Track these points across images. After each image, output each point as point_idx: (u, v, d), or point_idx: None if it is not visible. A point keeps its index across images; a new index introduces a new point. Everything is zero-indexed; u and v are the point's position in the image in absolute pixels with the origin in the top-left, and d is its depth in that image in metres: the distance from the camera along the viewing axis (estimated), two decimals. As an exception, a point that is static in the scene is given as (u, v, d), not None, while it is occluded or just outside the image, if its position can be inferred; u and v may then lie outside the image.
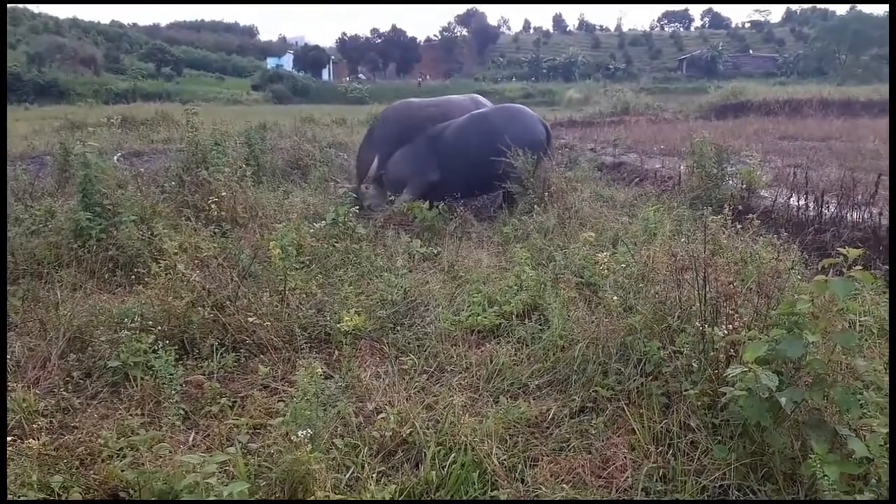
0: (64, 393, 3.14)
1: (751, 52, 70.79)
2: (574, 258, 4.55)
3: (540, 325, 3.69)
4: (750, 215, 5.90)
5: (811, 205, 6.07)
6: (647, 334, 3.06)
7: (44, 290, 4.59)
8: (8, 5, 65.81)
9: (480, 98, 9.14)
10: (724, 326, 2.62)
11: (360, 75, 67.09)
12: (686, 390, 2.60)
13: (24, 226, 5.49)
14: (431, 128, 7.82)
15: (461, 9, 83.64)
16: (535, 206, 6.83)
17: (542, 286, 4.12)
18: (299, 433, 2.25)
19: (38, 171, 9.55)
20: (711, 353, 2.60)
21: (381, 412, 2.89)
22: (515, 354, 3.51)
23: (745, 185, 7.14)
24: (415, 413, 2.85)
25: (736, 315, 2.61)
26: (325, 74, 68.64)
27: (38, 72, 43.71)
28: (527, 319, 3.93)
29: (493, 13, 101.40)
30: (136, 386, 3.19)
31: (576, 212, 6.87)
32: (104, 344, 3.53)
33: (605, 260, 4.25)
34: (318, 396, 2.75)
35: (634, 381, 2.90)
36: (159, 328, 3.55)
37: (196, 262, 4.27)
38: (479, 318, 3.95)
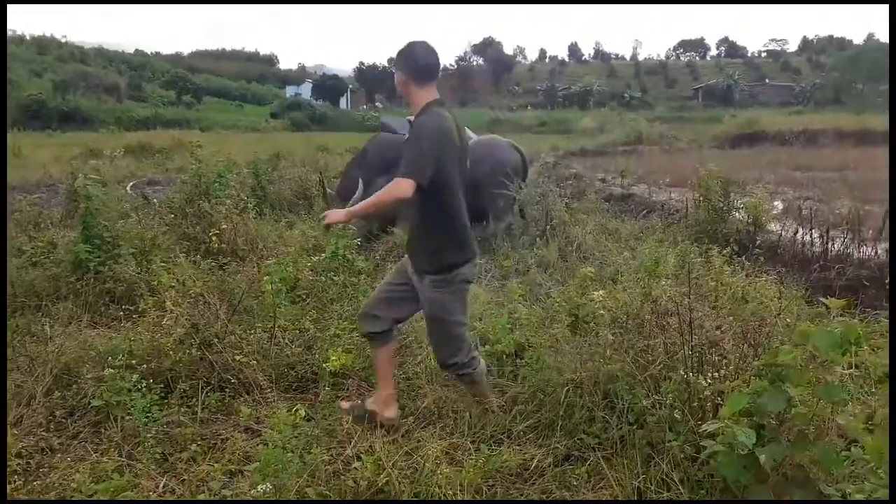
0: (43, 433, 3.12)
1: (767, 80, 70.72)
2: (570, 295, 4.48)
3: (530, 365, 3.62)
4: (756, 251, 5.83)
5: (817, 240, 5.97)
6: (629, 381, 2.98)
7: (38, 323, 4.60)
8: (37, 34, 67.62)
9: (467, 131, 9.11)
10: (709, 375, 2.55)
11: (377, 104, 67.79)
12: (669, 441, 2.51)
13: (24, 257, 5.53)
14: None
15: (477, 38, 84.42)
16: (537, 240, 6.79)
17: (536, 325, 4.05)
18: (259, 487, 2.20)
19: (48, 200, 9.70)
20: (695, 403, 2.52)
21: (360, 458, 2.83)
22: (502, 396, 3.44)
23: (750, 220, 7.05)
24: (393, 460, 2.78)
25: (724, 362, 2.53)
26: (342, 103, 69.50)
27: (62, 99, 44.65)
28: (517, 359, 3.86)
29: (509, 42, 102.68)
30: (117, 426, 3.15)
31: (578, 245, 6.82)
32: (89, 381, 3.51)
33: (601, 298, 4.19)
34: (290, 443, 2.70)
35: (620, 429, 2.82)
36: (146, 366, 3.52)
37: (188, 297, 4.25)
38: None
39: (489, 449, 2.94)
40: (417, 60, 3.00)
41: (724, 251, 5.72)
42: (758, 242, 6.25)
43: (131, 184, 12.53)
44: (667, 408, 2.59)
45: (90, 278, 5.11)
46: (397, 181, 2.78)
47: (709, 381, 2.49)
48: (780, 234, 6.38)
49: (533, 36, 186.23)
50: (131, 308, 4.36)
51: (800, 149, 22.13)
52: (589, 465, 2.75)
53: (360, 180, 7.59)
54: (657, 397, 2.73)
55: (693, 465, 2.43)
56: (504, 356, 3.89)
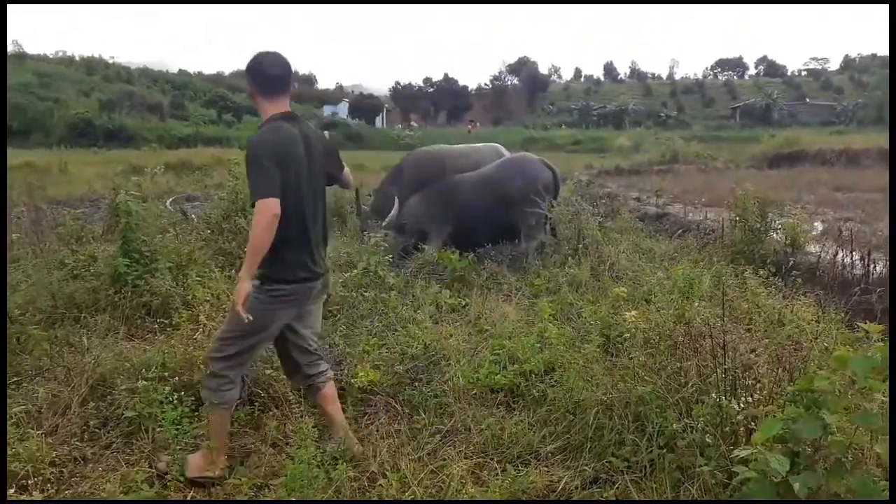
0: (77, 443, 3.18)
1: (808, 100, 69.49)
2: (602, 315, 4.44)
3: (560, 385, 3.58)
4: (794, 272, 5.70)
5: (857, 262, 5.81)
6: (660, 404, 2.92)
7: (77, 334, 4.71)
8: (86, 55, 69.93)
9: (501, 148, 9.16)
10: (742, 399, 2.49)
11: (413, 123, 68.38)
12: (700, 466, 2.45)
13: (66, 270, 5.68)
14: (449, 179, 7.91)
15: (512, 57, 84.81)
16: (569, 258, 6.74)
17: (566, 344, 4.01)
18: None
19: (91, 214, 9.97)
20: (727, 428, 2.46)
21: (384, 473, 2.83)
22: (532, 416, 3.41)
23: (788, 241, 6.89)
24: (419, 478, 2.77)
25: (758, 386, 2.47)
26: (378, 122, 70.27)
27: (108, 117, 45.98)
28: (546, 379, 3.82)
29: (544, 61, 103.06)
30: (148, 437, 3.20)
31: (611, 265, 6.74)
32: (123, 393, 3.58)
33: (633, 318, 4.13)
34: (315, 458, 2.70)
35: (650, 452, 2.76)
36: (178, 378, 3.58)
37: (221, 311, 4.31)
38: (498, 376, 3.86)
39: (515, 469, 2.91)
40: (265, 72, 2.93)
41: (761, 272, 5.62)
42: (795, 263, 6.10)
43: (170, 199, 12.83)
44: (698, 432, 2.53)
45: (128, 291, 5.22)
46: (257, 209, 2.67)
47: (742, 405, 2.43)
48: (819, 256, 6.21)
49: (568, 55, 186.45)
50: (166, 321, 4.43)
51: (841, 169, 21.64)
52: (617, 488, 2.70)
53: (396, 198, 7.66)
54: (688, 421, 2.67)
55: (724, 491, 2.37)
56: (533, 375, 3.85)
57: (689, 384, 2.94)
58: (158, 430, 3.24)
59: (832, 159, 24.31)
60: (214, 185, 16.33)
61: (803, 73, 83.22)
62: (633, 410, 3.04)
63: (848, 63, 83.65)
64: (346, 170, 3.35)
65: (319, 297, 3.19)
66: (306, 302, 3.06)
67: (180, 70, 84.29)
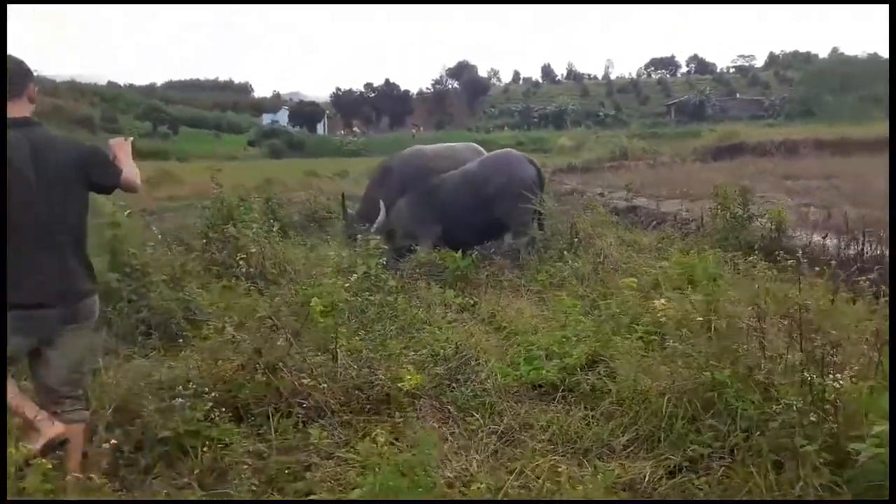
0: (122, 473, 2.94)
1: (738, 95, 72.13)
2: (626, 306, 4.41)
3: (613, 377, 3.51)
4: (799, 255, 5.80)
5: (849, 244, 5.98)
6: (737, 388, 2.89)
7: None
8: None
9: (478, 147, 9.13)
10: (834, 377, 2.47)
11: (355, 128, 67.81)
12: (802, 446, 2.41)
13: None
14: (431, 181, 7.83)
15: (452, 62, 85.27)
16: (565, 253, 6.72)
17: (606, 336, 3.96)
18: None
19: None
20: (827, 406, 2.44)
21: (464, 479, 2.70)
22: (593, 410, 3.33)
23: (774, 227, 7.05)
24: (503, 480, 2.65)
25: (850, 364, 2.46)
26: (319, 129, 69.40)
27: (35, 133, 43.95)
28: (591, 372, 3.75)
29: (483, 65, 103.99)
30: (198, 458, 2.98)
31: (605, 257, 6.76)
32: (154, 413, 3.33)
33: (662, 307, 4.11)
34: (399, 466, 2.56)
35: (735, 436, 2.72)
36: (208, 394, 3.35)
37: (241, 322, 4.09)
38: (543, 371, 3.77)
39: (592, 465, 2.83)
40: None
41: (750, 258, 5.71)
42: (793, 249, 6.22)
43: (125, 214, 12.26)
44: (795, 411, 2.49)
45: (123, 307, 4.91)
46: None
47: (839, 383, 2.41)
48: (810, 240, 6.37)
49: (506, 58, 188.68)
50: (180, 333, 4.18)
51: (781, 159, 22.47)
52: (710, 474, 2.65)
53: (382, 202, 7.52)
54: (775, 405, 2.63)
55: (839, 470, 2.34)
56: (577, 369, 3.78)
57: (761, 367, 2.91)
58: (204, 449, 3.03)
59: (771, 150, 25.27)
60: (167, 197, 15.78)
61: (732, 70, 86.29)
62: (702, 396, 3.00)
63: (773, 59, 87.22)
64: (128, 173, 2.89)
65: (74, 328, 2.70)
66: (47, 332, 2.64)
67: (109, 82, 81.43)
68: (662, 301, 4.15)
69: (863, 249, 5.71)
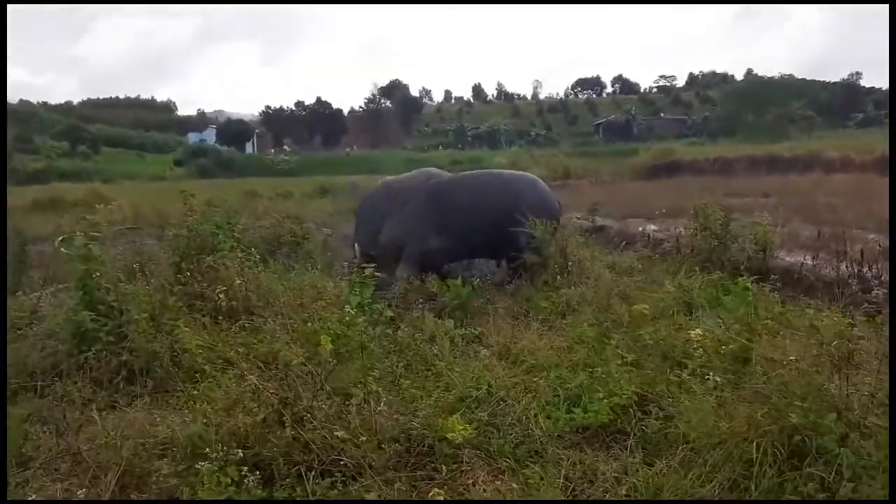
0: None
1: (662, 114, 74.86)
2: (660, 336, 4.22)
3: (677, 419, 3.29)
4: (776, 277, 5.80)
5: (840, 264, 6.03)
6: (827, 430, 2.70)
7: (48, 409, 3.87)
8: None
9: (435, 170, 8.89)
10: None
11: (286, 147, 66.49)
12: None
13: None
14: (430, 182, 7.58)
15: (384, 80, 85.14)
16: (558, 277, 6.53)
17: (658, 372, 3.74)
18: None
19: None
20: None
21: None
22: (656, 457, 3.09)
23: (758, 247, 7.07)
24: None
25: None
26: (248, 147, 67.72)
27: (-59, 154, 41.07)
28: (643, 411, 3.52)
29: (414, 84, 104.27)
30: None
31: (597, 281, 6.60)
32: (170, 478, 2.89)
33: (700, 337, 3.94)
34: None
35: (840, 485, 2.53)
36: (241, 453, 2.93)
37: (259, 367, 3.66)
38: (593, 413, 3.50)
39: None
40: None
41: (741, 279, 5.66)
42: (780, 269, 6.24)
43: (58, 239, 11.36)
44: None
45: (100, 350, 4.36)
46: None
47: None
48: (802, 263, 6.39)
49: (436, 78, 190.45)
50: (193, 382, 3.71)
51: (717, 177, 23.18)
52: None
53: (357, 245, 7.35)
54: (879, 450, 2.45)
55: None
56: (629, 409, 3.53)
57: (851, 406, 2.74)
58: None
59: (706, 168, 26.14)
60: (106, 222, 14.77)
61: (654, 90, 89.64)
62: (788, 439, 2.80)
63: (693, 80, 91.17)
64: None
65: None
66: None
67: (21, 100, 77.12)
68: (698, 331, 3.98)
69: (860, 270, 5.74)
